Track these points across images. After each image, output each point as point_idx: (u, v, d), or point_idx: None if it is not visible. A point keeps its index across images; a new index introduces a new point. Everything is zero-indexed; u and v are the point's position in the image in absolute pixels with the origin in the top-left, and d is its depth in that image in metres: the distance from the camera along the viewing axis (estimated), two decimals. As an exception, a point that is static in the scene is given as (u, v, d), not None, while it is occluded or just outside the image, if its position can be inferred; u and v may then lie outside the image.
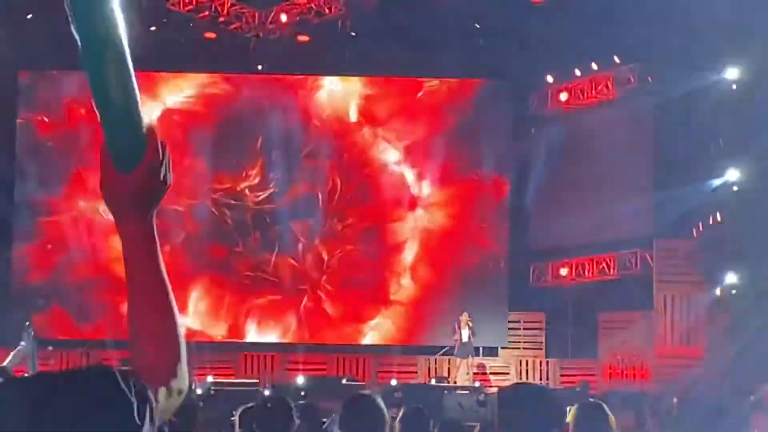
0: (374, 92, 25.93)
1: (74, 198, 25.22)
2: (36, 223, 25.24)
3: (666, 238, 23.36)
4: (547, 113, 25.93)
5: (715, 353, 22.01)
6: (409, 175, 25.71)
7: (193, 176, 25.33)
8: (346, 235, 25.57)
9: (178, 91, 25.70)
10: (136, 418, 1.56)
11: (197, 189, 25.38)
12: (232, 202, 25.56)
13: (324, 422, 8.53)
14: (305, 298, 25.31)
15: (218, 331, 25.19)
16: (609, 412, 5.64)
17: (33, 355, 15.35)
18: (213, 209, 25.52)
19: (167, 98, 25.58)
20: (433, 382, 23.28)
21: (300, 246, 25.53)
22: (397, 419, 6.38)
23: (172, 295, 1.92)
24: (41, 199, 25.24)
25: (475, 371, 23.95)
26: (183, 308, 23.82)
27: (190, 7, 25.23)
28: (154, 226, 1.93)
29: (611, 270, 24.20)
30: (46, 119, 25.40)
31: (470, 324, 23.27)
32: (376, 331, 25.23)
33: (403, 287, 25.42)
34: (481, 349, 24.77)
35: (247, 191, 25.61)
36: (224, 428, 10.65)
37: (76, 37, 1.82)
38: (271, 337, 25.29)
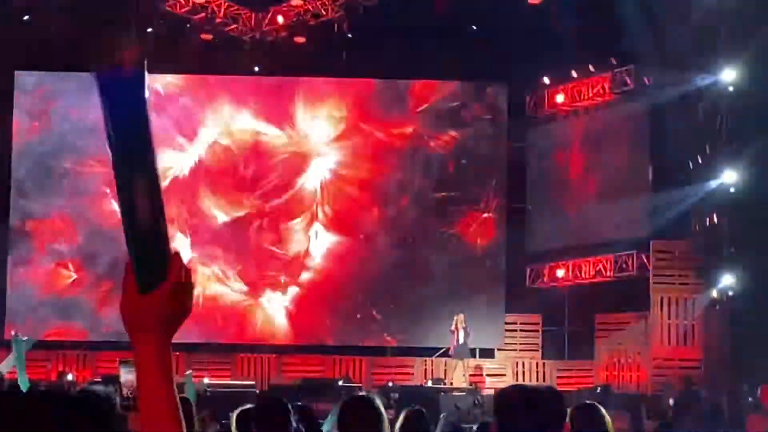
0: (370, 93, 25.91)
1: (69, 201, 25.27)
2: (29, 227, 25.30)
3: (662, 239, 23.36)
4: (543, 115, 25.93)
5: (711, 355, 22.02)
6: (407, 176, 25.69)
7: (189, 177, 25.37)
8: (342, 235, 25.55)
9: (174, 93, 25.64)
10: None
11: (192, 189, 25.39)
12: (230, 201, 25.54)
13: (320, 423, 8.52)
14: (299, 299, 25.31)
15: (213, 331, 25.15)
16: (605, 414, 5.64)
17: (19, 359, 15.40)
18: (212, 208, 25.49)
19: (163, 100, 25.55)
20: (429, 383, 23.26)
21: (294, 246, 25.52)
22: (399, 421, 6.38)
23: (182, 417, 1.96)
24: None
25: (472, 372, 23.93)
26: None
27: (187, 8, 25.23)
28: (171, 352, 1.96)
29: (608, 271, 24.19)
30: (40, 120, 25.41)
31: (464, 325, 23.23)
32: (370, 333, 25.21)
33: (401, 288, 25.39)
34: (477, 350, 24.78)
35: (244, 192, 25.57)
36: (220, 430, 10.64)
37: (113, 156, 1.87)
38: (267, 338, 25.29)
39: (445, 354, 24.09)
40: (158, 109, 24.86)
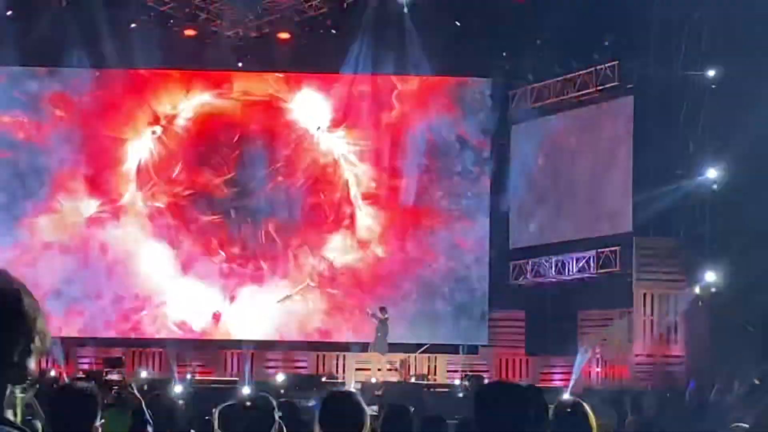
0: (355, 89, 25.87)
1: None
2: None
3: (646, 236, 23.40)
4: (527, 111, 25.92)
5: (694, 351, 22.07)
6: (391, 172, 25.69)
7: (176, 171, 25.36)
8: (327, 232, 25.56)
9: (158, 88, 25.59)
10: None
11: (178, 184, 25.36)
12: (210, 198, 25.49)
13: (304, 419, 8.51)
14: (284, 296, 25.31)
15: (200, 327, 25.08)
16: (589, 410, 5.64)
17: None
18: (193, 205, 25.43)
19: (147, 95, 25.51)
20: (413, 380, 23.25)
21: (277, 244, 25.50)
22: (381, 416, 6.37)
23: None
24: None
25: (389, 368, 23.65)
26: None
27: (171, 4, 25.14)
28: None
29: (591, 268, 24.21)
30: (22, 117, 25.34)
31: (382, 317, 22.91)
32: (355, 330, 25.20)
33: (386, 284, 25.41)
34: (461, 347, 24.83)
35: (224, 188, 25.52)
36: (204, 426, 10.61)
37: None
38: (251, 334, 25.23)
39: (365, 348, 23.83)
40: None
